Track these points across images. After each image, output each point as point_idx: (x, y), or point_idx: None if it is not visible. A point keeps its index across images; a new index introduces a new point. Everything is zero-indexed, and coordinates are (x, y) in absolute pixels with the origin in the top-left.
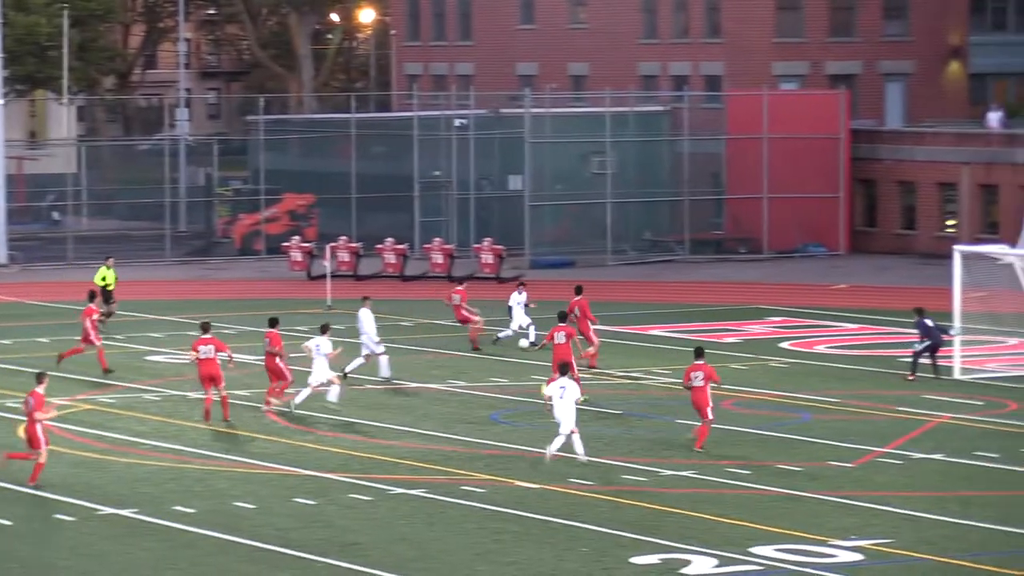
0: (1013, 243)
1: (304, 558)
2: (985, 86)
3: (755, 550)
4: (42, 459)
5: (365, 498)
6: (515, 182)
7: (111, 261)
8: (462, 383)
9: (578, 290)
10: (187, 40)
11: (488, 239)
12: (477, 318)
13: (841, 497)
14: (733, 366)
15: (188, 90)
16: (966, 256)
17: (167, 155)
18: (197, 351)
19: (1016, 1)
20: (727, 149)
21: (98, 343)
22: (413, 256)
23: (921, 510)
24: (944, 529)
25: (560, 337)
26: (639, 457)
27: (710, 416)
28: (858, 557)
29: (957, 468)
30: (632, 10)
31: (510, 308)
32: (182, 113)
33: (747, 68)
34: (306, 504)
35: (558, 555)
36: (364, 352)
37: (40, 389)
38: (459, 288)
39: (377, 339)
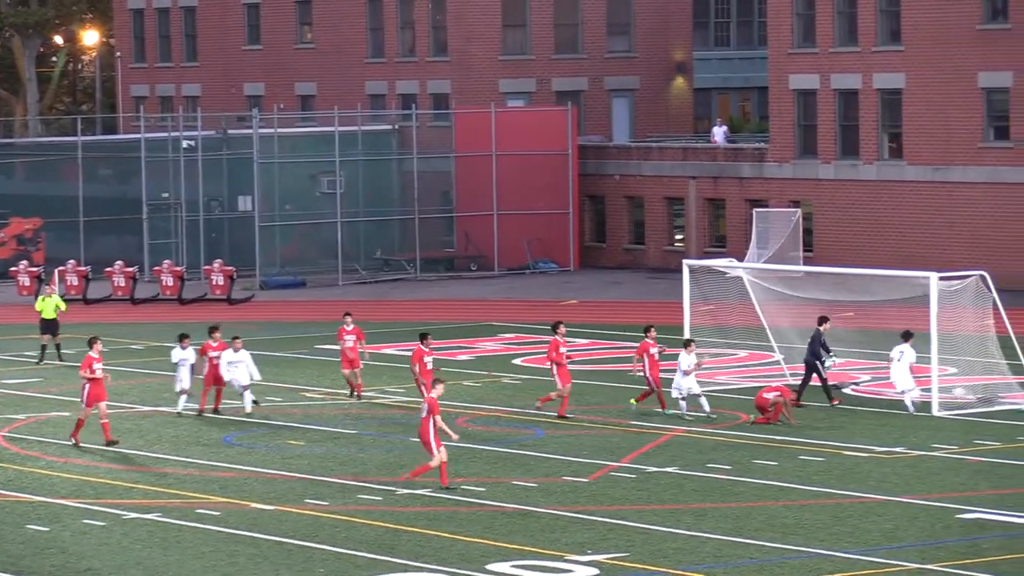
0: (741, 256)
1: None
2: (709, 101)
3: (492, 567)
4: (442, 458)
5: (99, 523)
6: (244, 203)
7: None
8: (194, 405)
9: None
10: None
11: (218, 261)
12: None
13: (577, 512)
14: (466, 383)
15: None
16: (695, 270)
17: None
18: None
19: (738, 18)
20: (456, 167)
21: None
22: (143, 279)
23: (655, 523)
24: (678, 542)
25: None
26: (374, 476)
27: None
28: (594, 572)
29: (690, 481)
30: (358, 29)
31: (177, 364)
32: None
33: (474, 85)
34: (39, 531)
35: None
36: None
37: (434, 393)
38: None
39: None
